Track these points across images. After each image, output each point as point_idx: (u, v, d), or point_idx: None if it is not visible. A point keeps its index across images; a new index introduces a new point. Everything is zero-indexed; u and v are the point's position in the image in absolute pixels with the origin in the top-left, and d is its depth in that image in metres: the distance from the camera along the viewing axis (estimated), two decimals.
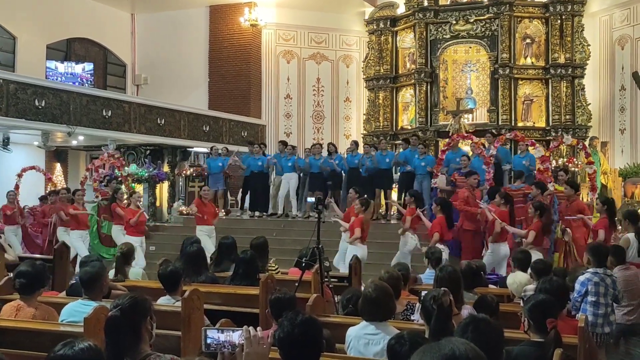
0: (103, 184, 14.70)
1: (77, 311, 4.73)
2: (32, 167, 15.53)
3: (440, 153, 13.66)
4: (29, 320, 4.70)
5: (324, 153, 15.18)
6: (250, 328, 2.56)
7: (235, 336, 2.55)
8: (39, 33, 19.06)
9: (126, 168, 15.55)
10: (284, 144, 15.70)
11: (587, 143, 16.35)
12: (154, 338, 3.36)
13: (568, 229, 10.38)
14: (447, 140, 14.53)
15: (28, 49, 18.67)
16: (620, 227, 9.70)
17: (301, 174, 14.94)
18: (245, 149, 17.01)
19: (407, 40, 19.02)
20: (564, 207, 10.65)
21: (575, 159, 15.03)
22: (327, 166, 14.36)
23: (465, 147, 14.89)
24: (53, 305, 5.06)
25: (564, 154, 16.24)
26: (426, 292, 4.37)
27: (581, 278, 6.37)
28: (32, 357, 4.39)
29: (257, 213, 15.08)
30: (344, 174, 14.58)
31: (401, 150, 15.45)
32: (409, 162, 13.88)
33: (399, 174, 14.55)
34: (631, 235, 8.47)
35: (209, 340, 2.56)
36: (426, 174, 13.51)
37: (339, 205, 14.44)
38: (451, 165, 13.23)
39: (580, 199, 11.89)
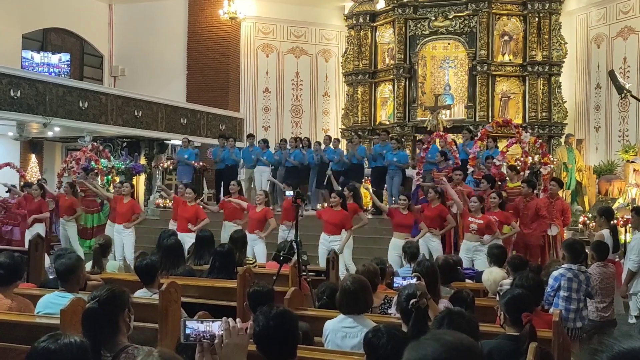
0: (80, 175, 14.55)
1: (53, 303, 4.69)
2: (7, 164, 15.36)
3: (422, 151, 13.60)
4: (4, 312, 4.66)
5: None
6: (230, 319, 2.56)
7: (215, 327, 2.54)
8: (14, 22, 18.81)
9: (103, 160, 15.40)
10: (253, 137, 15.75)
11: (562, 140, 16.56)
12: (131, 330, 3.36)
13: (555, 224, 10.41)
14: (424, 136, 14.64)
15: (3, 38, 18.41)
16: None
17: (272, 167, 15.10)
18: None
19: (386, 36, 19.07)
20: (547, 205, 10.66)
21: (551, 156, 15.17)
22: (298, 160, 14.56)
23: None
24: (29, 297, 5.02)
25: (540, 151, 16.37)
26: (401, 286, 4.42)
27: (555, 273, 6.45)
28: (7, 348, 4.36)
29: None
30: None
31: (373, 145, 15.60)
32: (382, 157, 13.95)
33: (370, 168, 14.59)
34: (606, 232, 8.60)
35: (188, 331, 2.56)
36: (397, 170, 13.58)
37: (310, 199, 14.56)
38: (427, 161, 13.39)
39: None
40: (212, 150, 15.97)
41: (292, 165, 14.61)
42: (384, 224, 13.16)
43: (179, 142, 18.12)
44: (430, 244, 10.10)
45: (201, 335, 2.54)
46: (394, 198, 13.50)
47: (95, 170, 14.69)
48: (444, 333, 1.74)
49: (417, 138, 16.78)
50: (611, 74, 14.93)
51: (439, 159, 12.72)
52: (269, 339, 3.05)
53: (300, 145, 14.97)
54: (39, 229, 11.62)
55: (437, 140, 14.59)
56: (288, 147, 15.11)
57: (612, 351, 1.31)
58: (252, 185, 15.27)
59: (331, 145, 15.02)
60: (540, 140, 14.20)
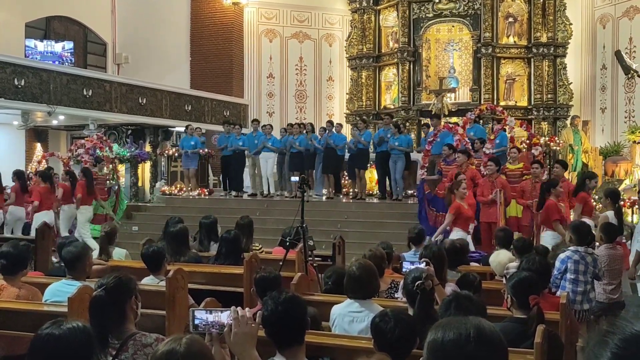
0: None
1: (60, 291, 4.71)
2: (52, 154, 16.29)
3: (427, 144, 13.36)
4: (12, 300, 4.67)
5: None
6: (239, 308, 2.55)
7: (224, 317, 2.53)
8: (17, 11, 18.76)
9: (107, 149, 15.40)
10: (257, 122, 15.70)
11: (568, 122, 16.48)
12: (139, 317, 3.36)
13: (562, 204, 10.35)
14: (430, 120, 14.52)
15: (6, 27, 18.37)
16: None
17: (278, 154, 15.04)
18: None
19: (390, 19, 18.96)
20: None
21: (557, 138, 15.10)
22: (303, 146, 14.47)
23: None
24: (37, 286, 5.03)
25: (546, 132, 16.34)
26: (408, 270, 4.41)
27: (561, 255, 6.43)
28: (16, 336, 4.37)
29: (233, 193, 15.14)
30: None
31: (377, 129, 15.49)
32: (384, 141, 13.84)
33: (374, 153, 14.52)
34: (610, 214, 8.55)
35: (197, 322, 2.55)
36: (400, 155, 13.43)
37: (311, 184, 14.49)
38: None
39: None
40: (218, 137, 15.95)
41: (297, 151, 14.54)
42: (390, 209, 13.19)
43: (183, 130, 18.09)
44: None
45: (210, 325, 2.54)
46: (397, 183, 13.49)
47: (103, 159, 14.67)
48: (471, 318, 1.75)
49: (422, 122, 16.65)
50: (617, 55, 14.84)
51: (447, 153, 12.37)
52: (277, 324, 3.04)
53: (305, 131, 14.85)
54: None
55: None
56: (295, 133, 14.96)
57: (624, 333, 1.29)
58: (256, 172, 15.25)
59: (334, 130, 14.91)
60: (527, 124, 14.05)
